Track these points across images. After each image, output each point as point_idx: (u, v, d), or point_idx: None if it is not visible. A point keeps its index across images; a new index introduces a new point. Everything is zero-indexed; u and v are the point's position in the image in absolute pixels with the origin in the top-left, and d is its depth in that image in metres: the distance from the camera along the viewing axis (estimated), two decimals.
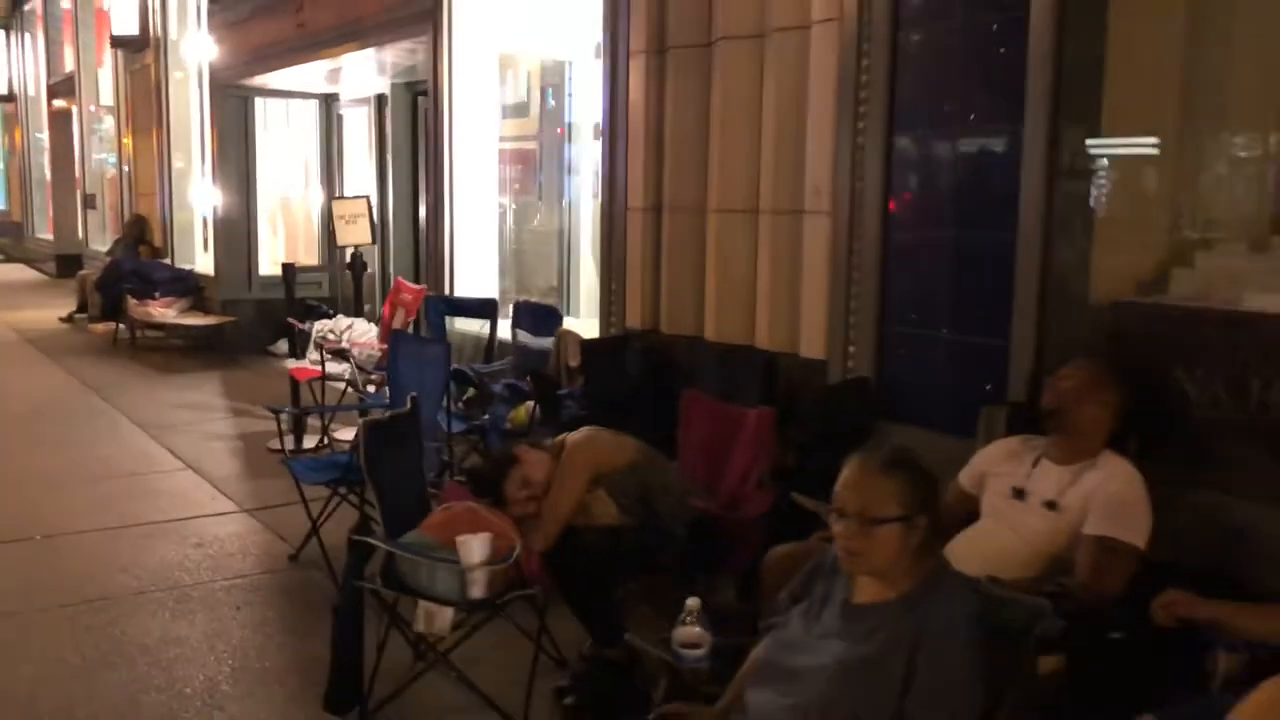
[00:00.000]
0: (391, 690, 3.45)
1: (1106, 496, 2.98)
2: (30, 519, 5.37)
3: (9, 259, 20.85)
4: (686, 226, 4.92)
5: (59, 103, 17.55)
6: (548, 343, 5.72)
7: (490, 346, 6.23)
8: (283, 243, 11.57)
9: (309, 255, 10.85)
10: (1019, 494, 3.16)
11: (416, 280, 7.62)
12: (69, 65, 16.66)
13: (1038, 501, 3.10)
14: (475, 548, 3.20)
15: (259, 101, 10.62)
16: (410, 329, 6.61)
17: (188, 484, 6.10)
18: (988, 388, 3.64)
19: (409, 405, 3.77)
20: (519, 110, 7.76)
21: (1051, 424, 3.18)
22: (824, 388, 4.19)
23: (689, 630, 2.61)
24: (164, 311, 10.62)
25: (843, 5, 4.03)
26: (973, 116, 3.71)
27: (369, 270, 8.02)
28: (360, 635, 3.43)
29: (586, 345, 5.23)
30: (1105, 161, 3.64)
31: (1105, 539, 2.92)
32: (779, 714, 2.30)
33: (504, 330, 6.26)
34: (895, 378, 4.01)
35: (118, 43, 12.63)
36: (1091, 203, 3.65)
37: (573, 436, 3.72)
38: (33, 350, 10.62)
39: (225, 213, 10.45)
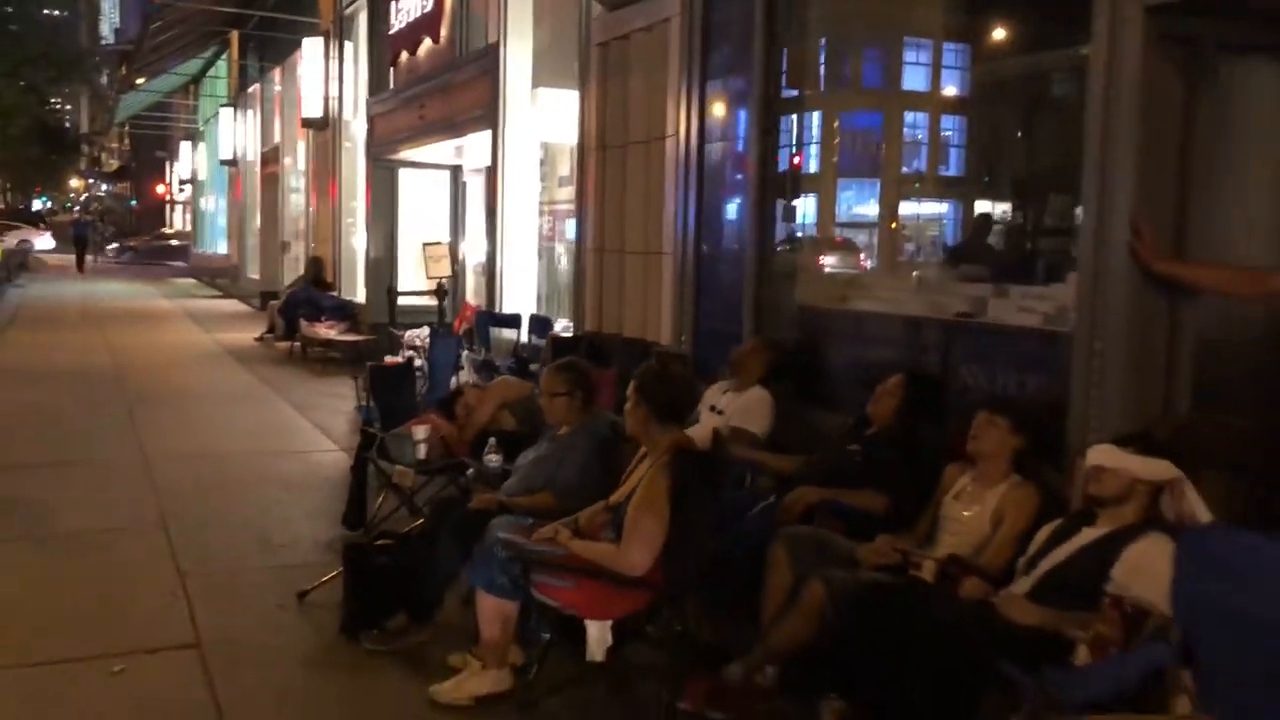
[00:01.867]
0: (381, 519, 6.13)
1: (742, 405, 5.40)
2: (211, 446, 8.39)
3: (227, 295, 25.07)
4: (614, 262, 7.50)
5: (268, 168, 21.54)
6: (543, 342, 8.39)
7: (516, 346, 8.93)
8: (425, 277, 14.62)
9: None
10: (713, 409, 5.59)
11: None
12: (277, 138, 20.57)
13: (716, 411, 5.53)
14: (418, 431, 5.84)
15: (407, 169, 13.80)
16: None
17: (313, 434, 9.02)
18: None
19: (403, 361, 6.48)
20: (567, 181, 10.48)
21: (731, 369, 5.61)
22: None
23: (491, 455, 5.20)
24: (328, 331, 13.77)
25: (678, 126, 6.57)
26: (724, 193, 6.19)
27: (447, 294, 10.83)
28: (364, 485, 6.11)
29: (554, 341, 7.85)
30: (807, 222, 6.05)
31: (736, 428, 5.33)
32: (512, 484, 4.84)
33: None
34: (702, 353, 6.47)
35: (307, 123, 16.18)
36: (798, 248, 6.06)
37: (493, 381, 6.36)
38: (231, 359, 14.00)
39: (374, 255, 13.63)
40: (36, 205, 70.62)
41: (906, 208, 6.00)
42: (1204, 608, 2.69)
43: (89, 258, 35.84)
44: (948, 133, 5.75)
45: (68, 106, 69.92)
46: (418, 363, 8.40)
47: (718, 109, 6.30)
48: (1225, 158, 3.98)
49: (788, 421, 5.43)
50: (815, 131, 6.07)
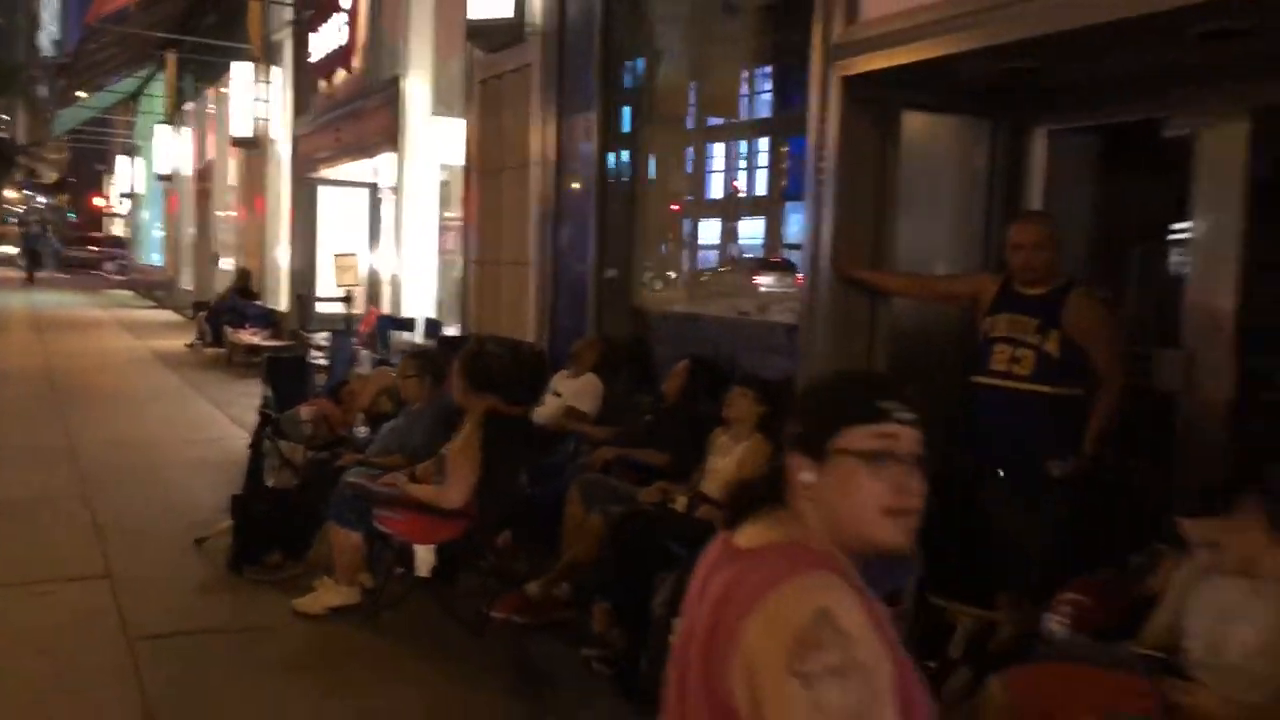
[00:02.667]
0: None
1: (576, 388, 6.53)
2: (133, 435, 9.34)
3: (162, 305, 25.78)
4: (492, 272, 8.60)
5: (202, 184, 22.36)
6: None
7: (412, 346, 9.98)
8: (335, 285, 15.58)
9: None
10: (555, 392, 6.71)
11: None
12: (210, 155, 21.42)
13: (556, 394, 6.64)
14: (304, 412, 6.89)
15: (327, 187, 14.81)
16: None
17: (227, 426, 9.99)
18: None
19: (299, 355, 7.53)
20: None
21: (570, 360, 6.74)
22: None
23: (359, 427, 6.26)
24: (251, 338, 14.69)
25: (540, 155, 7.70)
26: (575, 213, 7.33)
27: (354, 300, 11.85)
28: (261, 458, 7.10)
29: (441, 341, 8.92)
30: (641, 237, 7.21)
31: (569, 406, 6.45)
32: (374, 448, 5.90)
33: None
34: (557, 348, 7.58)
35: (236, 142, 17.10)
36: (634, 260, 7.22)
37: (373, 371, 7.42)
38: (160, 364, 14.88)
39: (295, 267, 14.59)
40: None
41: (724, 225, 7.18)
42: None
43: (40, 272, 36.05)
44: (750, 164, 6.94)
45: (3, 117, 69.52)
46: (322, 361, 9.45)
47: (569, 141, 7.44)
48: (912, 188, 5.17)
49: (621, 401, 6.55)
50: (648, 160, 7.24)
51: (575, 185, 7.37)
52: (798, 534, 1.73)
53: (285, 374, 7.48)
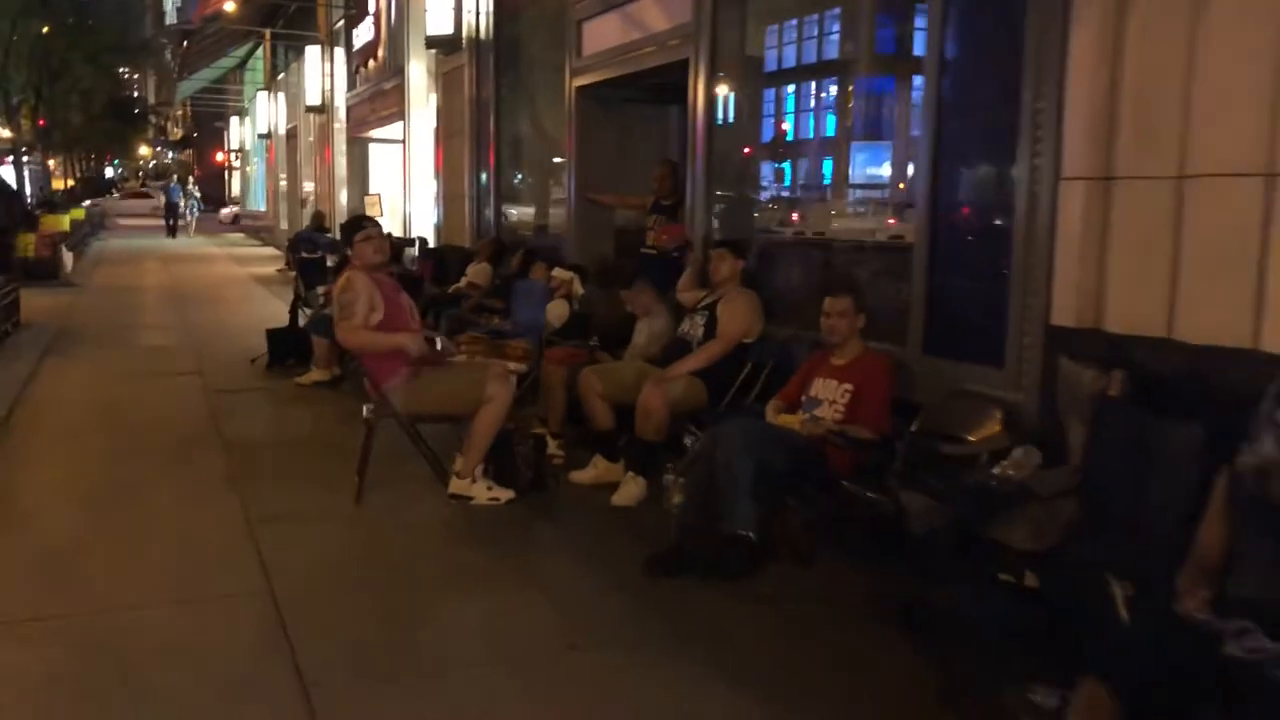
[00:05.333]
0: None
1: (475, 271, 10.73)
2: (227, 319, 13.92)
3: (265, 244, 30.76)
4: (451, 204, 12.82)
5: (291, 141, 27.06)
6: None
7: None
8: (395, 223, 20.03)
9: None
10: (464, 274, 10.91)
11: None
12: (297, 118, 26.07)
13: (464, 274, 10.85)
14: (319, 290, 11.21)
15: (375, 144, 19.18)
16: None
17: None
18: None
19: (318, 258, 11.92)
20: None
21: (476, 253, 10.93)
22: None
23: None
24: None
25: (469, 125, 11.85)
26: (485, 163, 11.49)
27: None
28: (296, 316, 11.49)
29: (423, 249, 13.20)
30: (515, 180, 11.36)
31: (470, 282, 10.67)
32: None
33: None
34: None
35: (310, 109, 21.62)
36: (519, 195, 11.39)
37: None
38: (254, 283, 19.58)
39: (350, 206, 19.04)
40: (109, 173, 77.23)
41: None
42: (518, 312, 8.00)
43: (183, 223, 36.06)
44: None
45: (135, 76, 75.81)
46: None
47: (481, 116, 11.58)
48: (627, 149, 9.20)
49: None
50: (520, 131, 11.36)
51: (483, 147, 11.54)
52: (353, 267, 5.90)
53: (310, 269, 11.86)
